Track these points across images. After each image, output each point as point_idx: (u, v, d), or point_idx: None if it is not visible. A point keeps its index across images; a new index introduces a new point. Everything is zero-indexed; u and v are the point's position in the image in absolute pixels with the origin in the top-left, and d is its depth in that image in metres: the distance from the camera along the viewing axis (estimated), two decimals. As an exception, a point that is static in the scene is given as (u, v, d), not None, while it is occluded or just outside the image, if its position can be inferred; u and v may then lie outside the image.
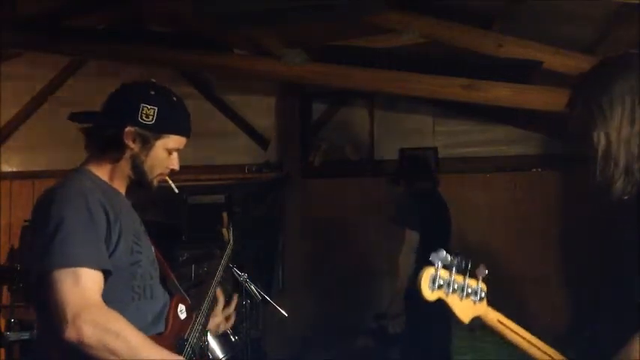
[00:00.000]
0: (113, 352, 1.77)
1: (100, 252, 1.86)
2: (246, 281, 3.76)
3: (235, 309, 2.46)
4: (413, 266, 4.24)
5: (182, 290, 2.21)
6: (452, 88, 4.66)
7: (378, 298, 5.24)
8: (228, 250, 2.61)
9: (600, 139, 1.58)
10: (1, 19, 4.70)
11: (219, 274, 2.46)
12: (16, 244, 5.53)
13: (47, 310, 1.80)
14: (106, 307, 1.82)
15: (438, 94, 4.78)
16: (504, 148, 5.68)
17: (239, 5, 3.98)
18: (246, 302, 4.13)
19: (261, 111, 5.98)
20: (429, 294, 1.59)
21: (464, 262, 1.65)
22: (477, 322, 1.72)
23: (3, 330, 4.22)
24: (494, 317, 1.72)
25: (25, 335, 4.01)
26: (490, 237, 5.16)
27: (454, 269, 1.63)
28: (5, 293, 4.85)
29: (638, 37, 3.70)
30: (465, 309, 1.66)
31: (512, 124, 5.63)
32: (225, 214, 2.72)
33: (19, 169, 6.15)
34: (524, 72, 4.53)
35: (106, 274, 1.87)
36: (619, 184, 1.62)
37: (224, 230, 2.68)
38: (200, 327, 2.18)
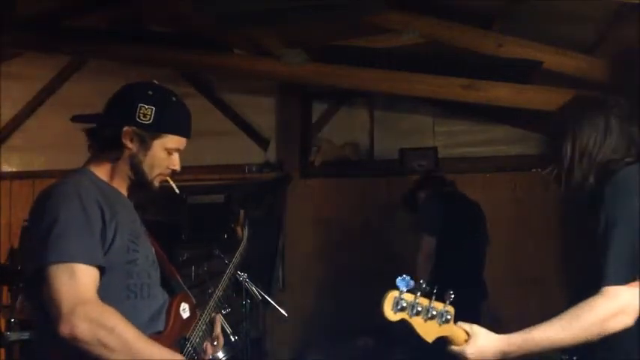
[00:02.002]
0: (107, 347, 1.78)
1: (95, 248, 1.87)
2: (246, 281, 3.77)
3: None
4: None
5: (186, 289, 2.21)
6: (452, 88, 4.66)
7: (378, 298, 5.23)
8: (241, 249, 2.60)
9: (566, 155, 2.01)
10: (1, 19, 4.70)
11: (229, 272, 2.46)
12: (16, 244, 5.52)
13: (45, 308, 1.81)
14: (100, 303, 1.82)
15: (438, 94, 4.78)
16: (504, 148, 5.67)
17: (239, 5, 3.98)
18: (246, 302, 4.12)
19: (261, 111, 5.98)
20: (392, 315, 1.76)
21: (428, 288, 1.78)
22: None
23: (3, 330, 4.23)
24: (461, 336, 1.85)
25: (25, 335, 4.01)
26: (490, 237, 5.15)
27: (419, 293, 1.77)
28: (5, 293, 4.85)
29: (638, 37, 3.70)
30: (429, 330, 1.80)
31: (512, 124, 5.63)
32: (242, 212, 2.70)
33: (19, 169, 6.15)
34: (524, 72, 4.53)
35: (101, 271, 1.88)
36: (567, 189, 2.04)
37: (238, 228, 2.66)
38: (204, 326, 2.18)
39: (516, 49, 4.39)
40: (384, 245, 5.49)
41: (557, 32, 4.31)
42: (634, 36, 3.72)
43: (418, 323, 1.79)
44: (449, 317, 1.82)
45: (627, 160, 1.95)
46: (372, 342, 5.09)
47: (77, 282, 1.79)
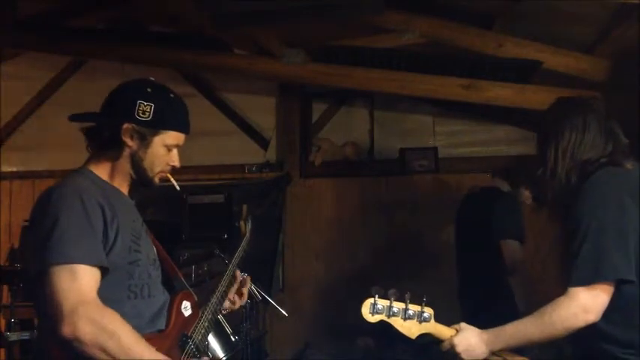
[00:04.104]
0: (105, 351, 1.78)
1: (97, 249, 1.87)
2: (246, 281, 3.75)
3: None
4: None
5: (188, 287, 2.21)
6: (452, 88, 4.66)
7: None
8: (243, 244, 2.60)
9: (551, 155, 2.14)
10: (1, 19, 4.71)
11: (232, 267, 2.46)
12: (16, 244, 5.53)
13: (47, 310, 1.80)
14: (102, 305, 1.82)
15: (438, 94, 4.78)
16: (504, 148, 5.67)
17: (239, 5, 3.98)
18: (247, 302, 4.11)
19: (261, 111, 5.98)
20: (370, 317, 2.09)
21: (398, 293, 2.11)
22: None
23: (3, 330, 4.23)
24: (447, 333, 2.11)
25: (25, 335, 4.01)
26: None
27: (393, 298, 2.10)
28: (5, 293, 4.85)
29: (638, 37, 3.71)
30: (410, 328, 2.11)
31: (512, 124, 5.63)
32: (245, 207, 2.71)
33: (19, 169, 6.15)
34: (524, 72, 4.53)
35: (103, 271, 1.88)
36: (552, 191, 2.17)
37: (241, 223, 2.66)
38: (206, 323, 2.18)
39: (516, 49, 4.39)
40: (383, 245, 5.49)
41: (557, 32, 4.31)
42: (634, 36, 3.73)
43: (397, 323, 2.10)
44: (427, 316, 2.11)
45: (602, 160, 2.06)
46: (372, 342, 5.09)
47: (79, 283, 1.79)
